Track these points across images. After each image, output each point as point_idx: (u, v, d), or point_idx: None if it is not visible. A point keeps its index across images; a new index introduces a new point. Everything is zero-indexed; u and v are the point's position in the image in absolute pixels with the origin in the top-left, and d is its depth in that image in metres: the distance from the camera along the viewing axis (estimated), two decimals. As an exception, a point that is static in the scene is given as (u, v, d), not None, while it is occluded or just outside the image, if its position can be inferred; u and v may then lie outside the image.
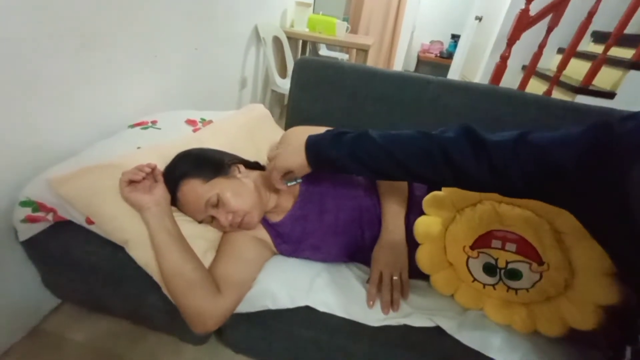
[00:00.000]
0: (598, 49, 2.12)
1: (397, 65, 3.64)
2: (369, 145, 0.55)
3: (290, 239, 0.70)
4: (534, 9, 1.70)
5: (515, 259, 0.60)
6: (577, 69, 2.09)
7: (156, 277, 0.60)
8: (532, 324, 0.61)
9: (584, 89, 1.92)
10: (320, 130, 0.64)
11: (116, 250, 0.65)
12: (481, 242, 0.62)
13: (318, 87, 0.99)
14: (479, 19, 3.15)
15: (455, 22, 4.23)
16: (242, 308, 0.64)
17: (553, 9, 1.75)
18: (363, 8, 3.32)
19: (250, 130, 0.93)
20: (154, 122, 0.92)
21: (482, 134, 0.51)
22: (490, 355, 0.58)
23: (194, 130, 0.92)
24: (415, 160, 0.54)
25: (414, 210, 0.69)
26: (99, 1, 0.81)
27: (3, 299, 0.75)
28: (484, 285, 0.63)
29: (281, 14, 2.16)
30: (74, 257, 0.69)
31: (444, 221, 0.65)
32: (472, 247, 0.63)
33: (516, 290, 0.61)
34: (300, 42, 2.55)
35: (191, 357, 0.83)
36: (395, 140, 0.55)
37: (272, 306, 0.62)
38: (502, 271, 0.61)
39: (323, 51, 2.86)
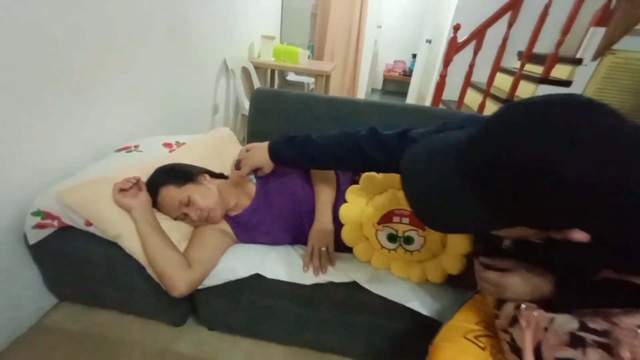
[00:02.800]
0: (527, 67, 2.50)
1: (362, 85, 3.98)
2: (311, 145, 0.80)
3: (246, 228, 0.91)
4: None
5: (409, 229, 0.84)
6: (507, 83, 2.45)
7: (142, 260, 0.80)
8: (423, 276, 0.84)
9: (509, 100, 2.26)
10: None
11: (109, 246, 0.84)
12: (385, 219, 0.85)
13: (272, 111, 1.24)
14: (429, 41, 3.56)
15: (414, 43, 4.67)
16: (211, 282, 0.84)
17: (475, 37, 2.11)
18: (327, 36, 3.67)
19: (216, 148, 1.15)
20: (136, 147, 1.13)
21: (380, 131, 0.75)
22: (391, 298, 0.80)
23: (170, 151, 1.13)
24: (342, 152, 0.78)
25: (339, 199, 0.92)
26: (89, 50, 1.02)
27: (9, 298, 0.91)
28: (389, 250, 0.86)
29: (249, 47, 2.43)
30: (74, 254, 0.88)
31: (360, 206, 0.88)
32: (379, 223, 0.86)
33: (411, 252, 0.84)
34: (269, 70, 2.83)
35: (172, 336, 1.00)
36: (328, 140, 0.80)
37: (233, 277, 0.83)
38: (401, 239, 0.84)
39: (291, 77, 3.15)
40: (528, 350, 0.53)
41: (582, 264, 0.52)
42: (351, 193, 0.89)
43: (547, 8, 1.99)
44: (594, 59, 2.00)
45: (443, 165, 0.43)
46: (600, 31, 1.94)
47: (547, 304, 0.55)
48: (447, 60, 2.16)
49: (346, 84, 3.87)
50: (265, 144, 0.87)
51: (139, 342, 0.98)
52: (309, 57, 3.42)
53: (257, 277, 0.84)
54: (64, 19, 0.92)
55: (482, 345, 0.62)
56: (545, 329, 0.52)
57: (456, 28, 2.12)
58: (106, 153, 1.08)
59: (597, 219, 0.37)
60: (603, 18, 1.93)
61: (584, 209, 0.35)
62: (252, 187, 0.95)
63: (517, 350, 0.55)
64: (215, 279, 0.84)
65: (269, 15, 2.85)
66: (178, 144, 1.20)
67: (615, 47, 1.92)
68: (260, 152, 0.87)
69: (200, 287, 0.84)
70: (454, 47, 2.13)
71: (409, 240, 0.84)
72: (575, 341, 0.48)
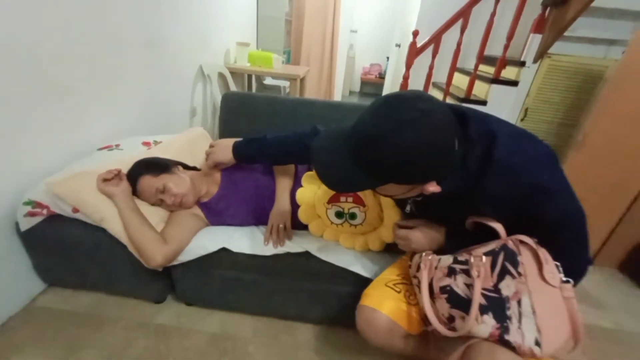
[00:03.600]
0: (482, 68, 2.73)
1: (338, 87, 4.17)
2: (267, 144, 0.97)
3: (215, 212, 1.05)
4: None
5: (352, 206, 1.00)
6: (465, 83, 2.67)
7: (123, 239, 0.93)
8: (366, 245, 1.00)
9: (467, 98, 2.48)
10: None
11: (95, 230, 0.97)
12: (333, 199, 1.01)
13: (241, 113, 1.38)
14: (399, 45, 3.78)
15: (388, 47, 4.91)
16: (185, 257, 0.98)
17: (432, 42, 2.32)
18: (302, 41, 3.85)
19: (190, 145, 1.29)
20: (117, 145, 1.25)
21: (320, 128, 0.91)
22: (338, 264, 0.96)
23: (148, 149, 1.26)
24: (291, 149, 0.95)
25: (297, 185, 1.07)
26: (73, 62, 1.14)
27: (1, 283, 1.02)
28: (337, 225, 1.02)
29: (224, 53, 2.57)
30: (62, 239, 1.00)
31: (313, 189, 1.04)
32: (328, 203, 1.01)
33: (355, 225, 1.01)
34: (246, 75, 2.98)
35: (153, 311, 1.13)
36: (280, 139, 0.97)
37: (204, 252, 0.97)
38: (347, 215, 1.00)
39: (268, 81, 3.30)
40: (424, 285, 0.70)
41: (452, 214, 0.69)
42: (305, 179, 1.05)
43: (492, 17, 2.22)
44: (534, 61, 2.24)
45: (336, 145, 0.59)
46: (538, 37, 2.18)
47: (441, 250, 0.73)
48: (408, 64, 2.37)
49: (323, 86, 4.05)
50: (230, 143, 1.02)
51: (123, 317, 1.10)
52: (284, 62, 3.60)
53: (225, 252, 0.99)
54: (50, 35, 1.05)
55: (398, 290, 0.79)
56: (435, 268, 0.69)
57: (414, 34, 2.33)
58: (90, 152, 1.20)
59: (436, 173, 0.54)
60: (539, 25, 2.17)
61: (424, 165, 0.52)
62: (219, 176, 1.10)
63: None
64: (188, 254, 0.98)
65: (245, 23, 3.00)
66: (156, 142, 1.33)
67: (550, 51, 2.16)
68: (223, 150, 1.02)
69: (175, 262, 0.98)
70: (413, 52, 2.34)
71: (353, 216, 1.00)
72: (450, 272, 0.65)
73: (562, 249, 0.61)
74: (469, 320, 0.59)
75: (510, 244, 0.60)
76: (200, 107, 2.26)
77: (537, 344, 0.54)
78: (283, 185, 1.07)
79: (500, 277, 0.59)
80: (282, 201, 1.04)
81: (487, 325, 0.58)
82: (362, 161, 0.54)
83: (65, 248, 1.02)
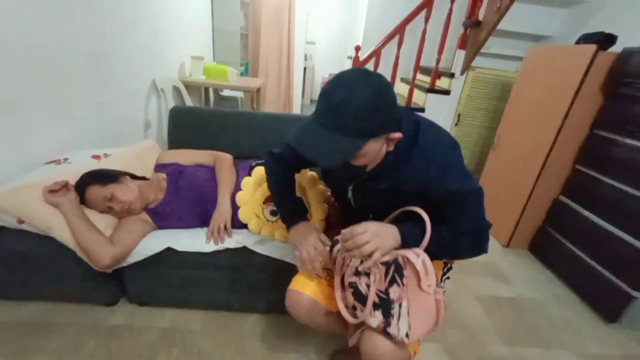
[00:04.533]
0: (422, 78, 3.03)
1: (297, 97, 4.35)
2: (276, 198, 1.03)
3: (162, 216, 1.16)
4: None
5: (285, 205, 1.15)
6: (407, 91, 2.95)
7: (72, 246, 1.01)
8: (298, 238, 1.16)
9: (407, 107, 2.74)
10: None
11: (41, 240, 1.03)
12: (269, 199, 1.16)
13: (188, 126, 1.50)
14: (351, 57, 4.04)
15: (344, 58, 5.18)
16: (134, 259, 1.07)
17: (373, 56, 2.56)
18: (260, 53, 4.00)
19: (139, 156, 1.38)
20: (65, 159, 1.32)
21: (274, 151, 0.99)
22: (273, 256, 1.10)
23: (98, 162, 1.33)
24: (284, 182, 1.01)
25: (237, 189, 1.21)
26: (15, 77, 1.20)
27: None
28: (272, 222, 1.16)
29: (179, 67, 2.65)
30: (7, 250, 1.05)
31: (251, 192, 1.18)
32: (264, 203, 1.16)
33: (288, 221, 1.16)
34: (203, 87, 3.07)
35: (105, 314, 1.20)
36: (274, 188, 1.02)
37: (150, 252, 1.07)
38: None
39: (226, 92, 3.40)
40: (337, 278, 0.85)
41: (385, 197, 0.80)
42: (244, 183, 1.19)
43: (423, 34, 2.50)
44: (462, 73, 2.55)
45: (312, 129, 0.65)
46: (462, 53, 2.50)
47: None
48: (353, 76, 2.59)
49: (282, 97, 4.21)
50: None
51: (73, 322, 1.16)
52: (243, 74, 3.73)
53: (172, 252, 1.09)
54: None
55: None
56: (347, 265, 0.82)
57: (357, 49, 2.57)
58: (36, 166, 1.26)
59: (395, 120, 0.67)
60: (463, 43, 2.49)
61: (387, 110, 0.63)
62: (165, 184, 1.21)
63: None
64: (136, 256, 1.07)
65: (200, 37, 3.10)
66: (106, 155, 1.40)
67: (473, 64, 2.48)
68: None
69: (124, 264, 1.07)
70: (357, 64, 2.57)
71: (285, 213, 1.15)
72: (357, 272, 0.80)
73: (467, 211, 0.75)
74: (365, 312, 0.74)
75: (400, 260, 0.74)
76: (155, 120, 2.33)
77: (407, 335, 0.72)
78: (224, 189, 1.20)
79: (390, 283, 0.74)
80: (223, 204, 1.17)
81: (376, 319, 0.74)
82: (344, 126, 0.61)
83: (10, 260, 1.07)
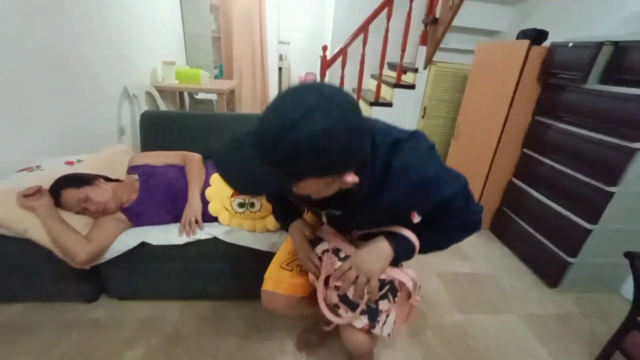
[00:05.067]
0: (390, 74, 3.17)
1: (272, 97, 4.42)
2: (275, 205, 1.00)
3: (136, 214, 1.23)
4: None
5: (252, 197, 1.25)
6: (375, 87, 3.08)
7: (48, 245, 1.07)
8: (265, 227, 1.25)
9: (376, 101, 2.87)
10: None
11: (17, 242, 1.09)
12: (236, 192, 1.26)
13: (159, 130, 1.57)
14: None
15: (318, 57, 5.28)
16: (110, 255, 1.15)
17: (340, 54, 2.67)
18: (233, 55, 4.05)
19: (111, 160, 1.44)
20: (38, 166, 1.36)
21: None
22: (241, 244, 1.20)
23: (71, 167, 1.39)
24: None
25: (206, 186, 1.30)
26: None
27: None
28: (241, 213, 1.26)
29: (151, 72, 2.69)
30: (-13, 253, 1.11)
31: (219, 187, 1.27)
32: (232, 196, 1.26)
33: (255, 212, 1.26)
34: (177, 91, 3.11)
35: (85, 310, 1.27)
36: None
37: (126, 248, 1.15)
38: (247, 204, 1.25)
39: (200, 95, 3.45)
40: (321, 279, 0.84)
41: (363, 221, 0.79)
42: (213, 179, 1.28)
43: (386, 32, 2.63)
44: (424, 68, 2.70)
45: (242, 150, 0.55)
46: (424, 48, 2.64)
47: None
48: (322, 75, 2.70)
49: (257, 97, 4.28)
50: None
51: (54, 319, 1.22)
52: (217, 77, 3.77)
53: (147, 246, 1.17)
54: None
55: (290, 268, 0.97)
56: (335, 269, 0.82)
57: (324, 49, 2.67)
58: (6, 174, 1.30)
59: (352, 160, 0.54)
60: (424, 39, 2.64)
61: (339, 150, 0.49)
62: (138, 185, 1.28)
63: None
64: (112, 252, 1.15)
65: (172, 42, 3.13)
66: (80, 161, 1.46)
67: (435, 59, 2.64)
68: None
69: (102, 260, 1.15)
70: (325, 64, 2.68)
71: (252, 204, 1.25)
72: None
73: (459, 210, 0.72)
74: (353, 316, 0.80)
75: (396, 283, 0.82)
76: (129, 126, 2.37)
77: (388, 335, 0.81)
78: (194, 186, 1.28)
79: (381, 298, 0.81)
80: (193, 199, 1.26)
81: (362, 322, 0.80)
82: (275, 158, 0.49)
83: (-10, 262, 1.13)
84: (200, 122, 1.57)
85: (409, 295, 0.87)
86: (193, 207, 1.24)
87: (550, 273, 1.60)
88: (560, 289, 1.58)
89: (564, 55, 1.52)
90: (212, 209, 1.26)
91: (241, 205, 1.25)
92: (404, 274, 0.84)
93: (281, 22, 5.03)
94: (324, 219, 0.86)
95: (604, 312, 1.45)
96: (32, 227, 1.06)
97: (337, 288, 0.82)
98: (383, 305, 0.81)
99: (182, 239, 1.19)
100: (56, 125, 1.64)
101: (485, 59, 1.99)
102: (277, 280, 0.95)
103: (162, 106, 2.66)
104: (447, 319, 1.38)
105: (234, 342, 1.20)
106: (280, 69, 5.14)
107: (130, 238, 1.17)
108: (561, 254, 1.54)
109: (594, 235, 1.42)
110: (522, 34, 1.74)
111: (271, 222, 1.25)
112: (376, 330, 0.80)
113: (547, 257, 1.61)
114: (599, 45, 1.34)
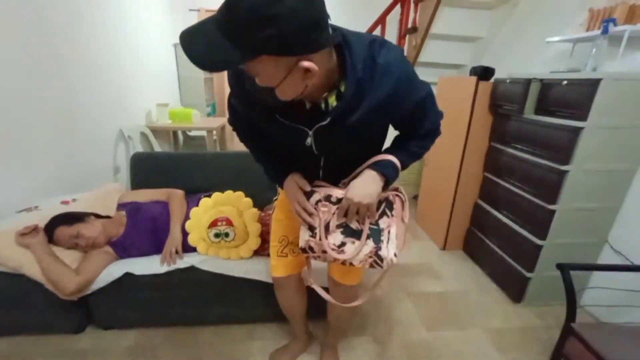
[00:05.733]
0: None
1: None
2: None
3: (122, 247, 1.36)
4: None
5: (226, 227, 1.38)
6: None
7: (41, 279, 1.20)
8: (238, 255, 1.38)
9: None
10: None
11: (12, 278, 1.21)
12: (212, 224, 1.39)
13: (147, 169, 1.74)
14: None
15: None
16: (97, 285, 1.27)
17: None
18: (225, 93, 4.33)
19: (103, 198, 1.60)
20: (36, 207, 1.52)
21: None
22: (217, 271, 1.32)
23: (67, 206, 1.54)
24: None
25: (187, 219, 1.44)
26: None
27: None
28: (217, 242, 1.39)
29: (146, 114, 2.92)
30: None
31: (198, 220, 1.41)
32: (209, 227, 1.39)
33: (229, 241, 1.39)
34: (171, 130, 3.34)
35: (73, 341, 1.36)
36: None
37: (111, 278, 1.27)
38: (222, 234, 1.38)
39: (193, 133, 3.68)
40: (323, 224, 0.85)
41: (351, 139, 0.74)
42: (193, 213, 1.43)
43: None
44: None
45: (203, 24, 0.54)
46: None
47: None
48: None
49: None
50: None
51: (43, 351, 1.31)
52: (210, 114, 4.03)
53: (131, 276, 1.29)
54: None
55: (285, 254, 1.08)
56: (333, 214, 0.85)
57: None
58: (8, 215, 1.44)
59: (306, 42, 0.52)
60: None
61: (288, 27, 0.49)
62: (125, 220, 1.43)
63: (312, 229, 0.87)
64: (99, 282, 1.27)
65: (166, 84, 3.41)
66: (74, 200, 1.61)
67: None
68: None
69: (89, 291, 1.27)
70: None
71: (227, 234, 1.38)
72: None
73: (430, 113, 0.79)
74: (361, 243, 0.83)
75: (391, 197, 0.86)
76: (124, 165, 2.55)
77: (395, 255, 0.84)
78: (175, 219, 1.43)
79: (380, 216, 0.85)
80: (174, 232, 1.39)
81: (369, 246, 0.84)
82: (231, 27, 0.50)
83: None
84: (184, 161, 1.74)
85: (402, 215, 0.87)
86: (173, 238, 1.37)
87: (514, 288, 1.69)
88: (524, 303, 1.66)
89: (504, 89, 1.72)
90: (191, 240, 1.39)
91: (217, 235, 1.39)
92: (394, 192, 0.88)
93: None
94: (309, 141, 0.76)
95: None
96: (27, 263, 1.20)
97: (338, 226, 0.85)
98: (383, 222, 0.85)
99: (163, 268, 1.31)
100: (56, 167, 1.81)
101: (445, 91, 2.20)
102: (281, 267, 1.10)
103: (156, 145, 2.86)
104: (414, 336, 1.46)
105: (210, 364, 1.29)
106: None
107: (115, 269, 1.29)
108: (521, 269, 1.64)
109: (545, 250, 1.53)
110: (473, 71, 1.95)
111: (245, 249, 1.38)
112: (383, 252, 0.83)
113: (510, 273, 1.71)
114: (529, 82, 1.53)
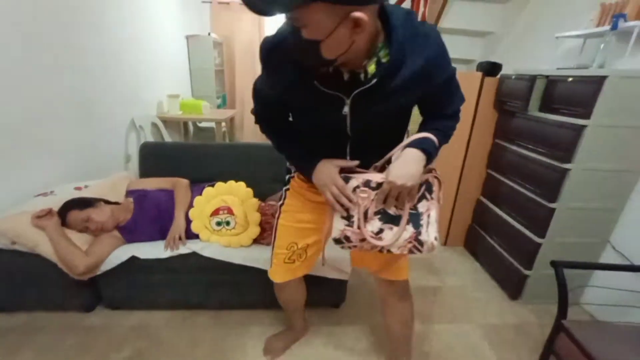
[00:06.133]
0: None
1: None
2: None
3: (129, 232, 1.43)
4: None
5: (227, 216, 1.43)
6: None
7: (54, 259, 1.28)
8: (239, 243, 1.43)
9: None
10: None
11: (30, 257, 1.30)
12: (214, 213, 1.45)
13: (157, 159, 1.80)
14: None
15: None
16: (105, 267, 1.34)
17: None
18: (236, 85, 4.39)
19: (113, 185, 1.67)
20: (52, 192, 1.60)
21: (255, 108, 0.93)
22: (215, 257, 1.38)
23: (80, 192, 1.62)
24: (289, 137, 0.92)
25: (190, 207, 1.50)
26: (10, 127, 1.51)
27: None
28: (218, 231, 1.44)
29: (157, 105, 3.00)
30: (2, 268, 1.32)
31: (201, 208, 1.47)
32: (211, 216, 1.45)
33: (230, 229, 1.44)
34: (182, 121, 3.42)
35: (82, 317, 1.45)
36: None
37: (118, 261, 1.34)
38: (224, 223, 1.44)
39: (203, 124, 3.75)
40: (361, 212, 0.80)
41: (389, 108, 0.74)
42: (196, 201, 1.48)
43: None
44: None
45: None
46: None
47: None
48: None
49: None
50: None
51: (55, 325, 1.40)
52: (220, 106, 4.09)
53: (137, 260, 1.36)
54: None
55: (291, 261, 1.05)
56: (372, 200, 0.80)
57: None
58: (27, 198, 1.54)
59: None
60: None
61: None
62: (132, 206, 1.49)
63: (349, 217, 0.82)
64: (107, 264, 1.34)
65: (178, 76, 3.48)
66: (87, 186, 1.70)
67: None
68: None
69: (98, 272, 1.34)
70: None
71: (228, 223, 1.44)
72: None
73: (457, 90, 0.81)
74: (400, 228, 0.80)
75: (430, 179, 0.81)
76: (135, 155, 2.63)
77: (436, 239, 0.81)
78: (180, 207, 1.49)
79: (419, 200, 0.81)
80: (178, 219, 1.45)
81: (408, 231, 0.80)
82: None
83: (6, 275, 1.34)
84: (190, 152, 1.80)
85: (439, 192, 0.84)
86: (177, 225, 1.43)
87: (512, 285, 1.70)
88: (522, 300, 1.67)
89: (509, 86, 1.70)
90: (194, 227, 1.45)
91: (218, 223, 1.44)
92: (431, 174, 0.83)
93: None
94: (346, 109, 0.74)
95: (563, 323, 1.52)
96: (42, 243, 1.28)
97: (376, 213, 0.81)
98: (422, 206, 0.81)
99: (167, 253, 1.37)
100: (72, 155, 1.91)
101: (451, 87, 2.18)
102: (284, 272, 1.08)
103: (166, 135, 2.95)
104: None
105: (207, 347, 1.35)
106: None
107: (122, 253, 1.37)
108: (519, 267, 1.64)
109: (543, 248, 1.53)
110: (480, 66, 1.93)
111: (245, 237, 1.43)
112: (423, 236, 0.80)
113: (509, 270, 1.71)
114: (534, 78, 1.51)
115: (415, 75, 0.69)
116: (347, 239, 0.84)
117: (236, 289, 1.48)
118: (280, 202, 1.06)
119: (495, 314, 1.60)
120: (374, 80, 0.68)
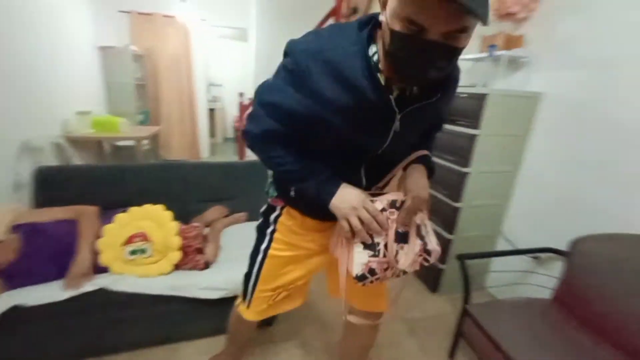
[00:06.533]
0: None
1: (203, 138, 4.51)
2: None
3: (10, 275, 1.22)
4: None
5: (142, 243, 1.32)
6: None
7: None
8: (158, 271, 1.32)
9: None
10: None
11: None
12: (128, 241, 1.32)
13: (54, 183, 1.58)
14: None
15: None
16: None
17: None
18: (161, 100, 4.12)
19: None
20: None
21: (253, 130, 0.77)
22: (130, 290, 1.25)
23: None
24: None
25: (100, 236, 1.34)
26: None
27: None
28: (133, 260, 1.32)
29: (62, 123, 2.64)
30: None
31: (112, 237, 1.32)
32: (124, 244, 1.32)
33: (147, 257, 1.32)
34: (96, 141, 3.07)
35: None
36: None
37: None
38: (139, 251, 1.32)
39: (122, 142, 3.43)
40: (390, 233, 0.74)
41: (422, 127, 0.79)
42: (106, 230, 1.34)
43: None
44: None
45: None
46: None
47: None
48: (241, 117, 2.92)
49: (187, 139, 4.33)
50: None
51: None
52: (142, 123, 3.79)
53: (24, 308, 1.15)
54: None
55: (272, 303, 0.97)
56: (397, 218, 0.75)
57: (240, 94, 2.90)
58: None
59: None
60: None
61: None
62: (17, 243, 1.27)
63: (373, 246, 0.74)
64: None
65: (89, 91, 3.14)
66: (-40, 224, 1.41)
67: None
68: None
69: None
70: (243, 109, 2.90)
71: (143, 250, 1.32)
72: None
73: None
74: (411, 245, 0.76)
75: None
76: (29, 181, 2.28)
77: (437, 244, 0.81)
78: (83, 239, 1.32)
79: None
80: (82, 252, 1.29)
81: (417, 245, 0.77)
82: None
83: None
84: (100, 175, 1.63)
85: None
86: (81, 259, 1.27)
87: (431, 279, 1.87)
88: (440, 292, 1.84)
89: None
90: (103, 260, 1.30)
91: (133, 252, 1.32)
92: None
93: (212, 66, 5.28)
94: (398, 125, 0.70)
95: (475, 308, 1.73)
96: None
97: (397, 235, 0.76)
98: (418, 218, 0.79)
99: (66, 294, 1.20)
100: None
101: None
102: (261, 313, 1.00)
103: (74, 157, 2.62)
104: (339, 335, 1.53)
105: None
106: (212, 110, 5.32)
107: (0, 302, 1.14)
108: (435, 262, 1.81)
109: (453, 243, 1.72)
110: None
111: (164, 265, 1.34)
112: (429, 246, 0.80)
113: (428, 266, 1.88)
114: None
115: (451, 90, 0.75)
116: (372, 271, 0.74)
117: (157, 323, 1.35)
118: (264, 245, 0.94)
119: (417, 307, 1.74)
120: (438, 95, 0.68)
